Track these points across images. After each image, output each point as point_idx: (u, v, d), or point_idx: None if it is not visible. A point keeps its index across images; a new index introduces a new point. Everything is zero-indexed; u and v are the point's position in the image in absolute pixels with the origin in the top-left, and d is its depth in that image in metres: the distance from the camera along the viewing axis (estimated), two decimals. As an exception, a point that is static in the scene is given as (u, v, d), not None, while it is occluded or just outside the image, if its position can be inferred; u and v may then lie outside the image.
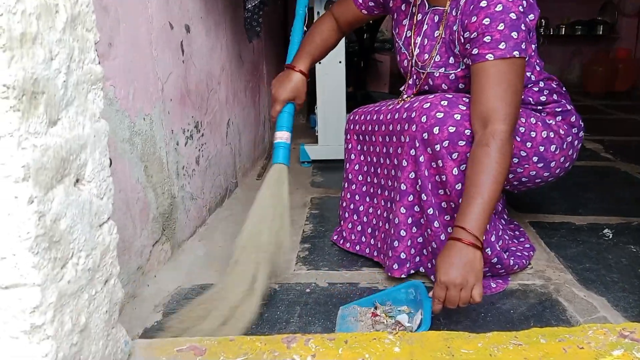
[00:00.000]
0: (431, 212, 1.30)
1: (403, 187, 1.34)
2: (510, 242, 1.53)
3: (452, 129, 1.24)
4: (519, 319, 1.23)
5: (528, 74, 1.37)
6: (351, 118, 1.59)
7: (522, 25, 1.21)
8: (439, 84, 1.39)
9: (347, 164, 1.60)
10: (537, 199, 2.05)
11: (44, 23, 0.69)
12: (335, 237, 1.68)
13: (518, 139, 1.33)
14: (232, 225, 1.88)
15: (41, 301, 0.70)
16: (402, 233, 1.36)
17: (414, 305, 1.23)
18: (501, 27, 1.19)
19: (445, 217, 1.31)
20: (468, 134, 1.24)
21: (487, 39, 1.21)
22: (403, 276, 1.37)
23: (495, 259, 1.34)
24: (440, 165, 1.26)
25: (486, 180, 1.14)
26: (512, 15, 1.20)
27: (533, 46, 1.36)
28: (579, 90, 5.31)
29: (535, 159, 1.37)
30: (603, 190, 2.18)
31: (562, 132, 1.40)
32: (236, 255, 1.31)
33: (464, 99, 1.29)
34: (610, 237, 1.68)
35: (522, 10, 1.22)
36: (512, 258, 1.41)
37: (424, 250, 1.38)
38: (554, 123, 1.40)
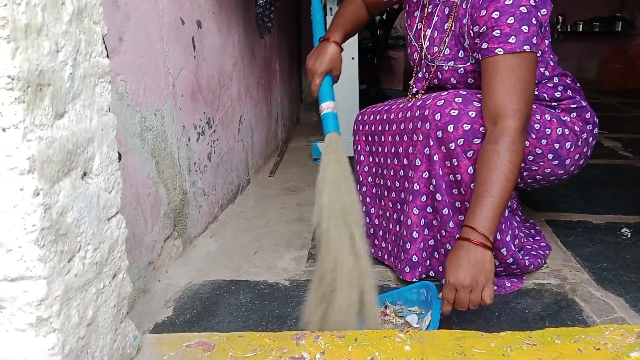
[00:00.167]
0: (446, 212, 1.27)
1: (416, 187, 1.31)
2: (525, 240, 1.50)
3: (467, 127, 1.21)
4: (534, 318, 1.21)
5: (542, 69, 1.34)
6: (359, 119, 1.56)
7: (533, 19, 1.18)
8: (447, 78, 1.37)
9: (357, 166, 1.58)
10: (553, 197, 2.02)
11: (50, 14, 0.69)
12: None
13: (533, 136, 1.30)
14: (243, 221, 1.88)
15: (47, 294, 0.70)
16: (415, 235, 1.34)
17: (425, 306, 1.21)
18: (511, 20, 1.17)
19: (460, 217, 1.28)
20: (483, 131, 1.21)
21: (496, 32, 1.18)
22: (415, 280, 1.34)
23: (511, 259, 1.31)
24: (455, 164, 1.23)
25: (496, 179, 1.11)
26: (523, 9, 1.17)
27: (546, 41, 1.33)
28: (596, 88, 5.23)
29: (550, 156, 1.34)
30: (621, 188, 2.14)
31: (577, 128, 1.36)
32: (324, 224, 1.18)
33: (478, 95, 1.27)
34: (629, 236, 1.64)
35: (533, 4, 1.19)
36: (528, 257, 1.38)
37: (435, 253, 1.35)
38: (568, 120, 1.37)
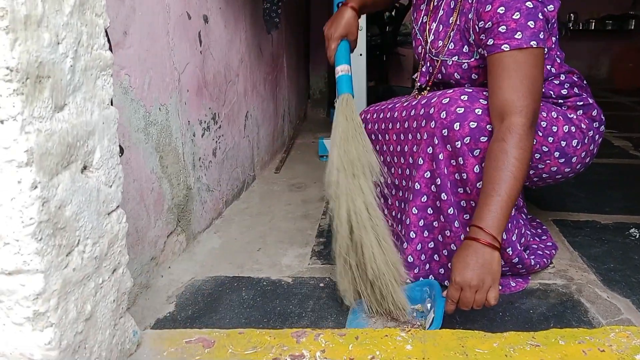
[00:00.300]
0: (451, 212, 1.25)
1: (417, 186, 1.29)
2: (531, 239, 1.48)
3: (473, 125, 1.20)
4: (539, 319, 1.19)
5: (548, 66, 1.32)
6: (362, 117, 1.55)
7: (540, 14, 1.16)
8: (451, 73, 1.35)
9: None
10: (561, 196, 2.00)
11: (50, 6, 0.68)
12: None
13: (540, 134, 1.28)
14: (248, 217, 1.87)
15: (44, 288, 0.69)
16: (412, 235, 1.31)
17: (429, 304, 1.20)
18: (517, 16, 1.15)
19: (465, 216, 1.27)
20: (490, 129, 1.20)
21: (502, 28, 1.16)
22: (409, 281, 1.32)
23: (517, 259, 1.30)
24: (461, 162, 1.21)
25: (504, 177, 1.09)
26: (529, 4, 1.15)
27: (553, 38, 1.31)
28: (608, 87, 5.17)
29: (556, 154, 1.32)
30: (631, 188, 2.11)
31: (583, 126, 1.34)
32: (334, 177, 1.25)
33: (484, 92, 1.25)
34: (637, 237, 1.62)
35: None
36: (533, 257, 1.37)
37: (435, 256, 1.33)
38: (575, 117, 1.35)
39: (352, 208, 1.19)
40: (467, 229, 1.26)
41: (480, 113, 1.20)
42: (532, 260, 1.34)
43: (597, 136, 1.40)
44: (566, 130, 1.31)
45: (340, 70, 1.37)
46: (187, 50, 1.56)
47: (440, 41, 1.36)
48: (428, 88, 1.44)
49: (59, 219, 0.71)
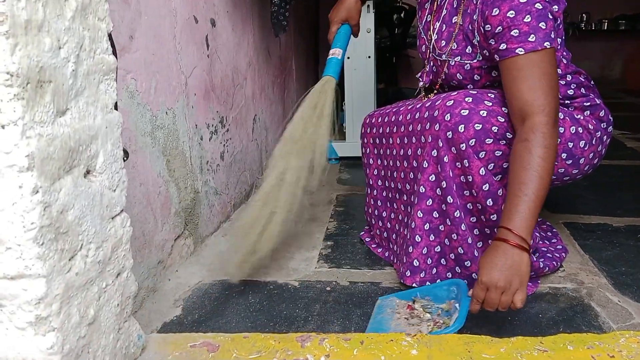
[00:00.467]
0: (457, 215, 1.24)
1: (422, 189, 1.28)
2: (541, 242, 1.46)
3: (478, 127, 1.19)
4: (548, 324, 1.17)
5: None
6: (367, 122, 1.54)
7: (549, 14, 1.15)
8: (454, 73, 1.34)
9: (367, 169, 1.56)
10: (572, 199, 1.97)
11: (52, 11, 0.68)
12: (363, 234, 1.66)
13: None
14: (256, 221, 1.87)
15: (46, 292, 0.69)
16: (418, 239, 1.30)
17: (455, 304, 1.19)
18: (528, 19, 1.14)
19: (472, 219, 1.25)
20: (495, 130, 1.18)
21: (514, 32, 1.15)
22: (415, 285, 1.31)
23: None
24: (466, 165, 1.20)
25: (530, 177, 1.07)
26: (538, 5, 1.14)
27: (559, 39, 1.29)
28: (621, 87, 5.11)
29: (564, 155, 1.30)
30: (644, 191, 2.08)
31: (590, 127, 1.32)
32: (278, 149, 1.37)
33: (489, 94, 1.24)
34: (650, 240, 1.60)
35: (547, 0, 1.16)
36: (542, 260, 1.35)
37: (442, 260, 1.31)
38: (582, 118, 1.33)
39: (281, 177, 1.33)
40: (474, 231, 1.25)
41: (485, 115, 1.19)
42: (540, 263, 1.32)
43: (605, 137, 1.37)
44: (573, 132, 1.29)
45: (332, 53, 1.41)
46: (194, 54, 1.56)
47: (443, 41, 1.35)
48: (435, 91, 1.43)
49: (61, 224, 0.71)
